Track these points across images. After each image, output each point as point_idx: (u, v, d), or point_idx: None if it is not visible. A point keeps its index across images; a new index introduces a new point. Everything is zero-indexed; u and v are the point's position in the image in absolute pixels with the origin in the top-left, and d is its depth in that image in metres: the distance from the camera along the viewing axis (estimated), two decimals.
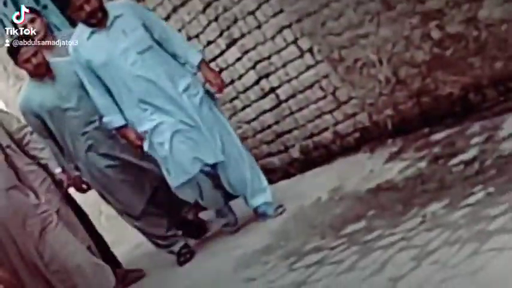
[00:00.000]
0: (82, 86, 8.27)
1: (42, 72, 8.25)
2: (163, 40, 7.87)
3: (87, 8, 7.51)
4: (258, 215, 8.69)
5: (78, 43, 7.82)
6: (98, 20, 7.68)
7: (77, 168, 8.87)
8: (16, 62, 8.40)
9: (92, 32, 7.73)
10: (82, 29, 7.82)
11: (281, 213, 8.70)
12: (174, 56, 7.97)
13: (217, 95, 8.53)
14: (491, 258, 5.51)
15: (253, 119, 10.00)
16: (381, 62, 8.53)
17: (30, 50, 8.05)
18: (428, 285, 5.73)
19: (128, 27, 7.68)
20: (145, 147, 8.05)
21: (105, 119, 7.97)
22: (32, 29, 9.03)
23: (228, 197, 8.75)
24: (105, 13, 7.70)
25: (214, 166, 8.34)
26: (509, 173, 6.56)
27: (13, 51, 8.26)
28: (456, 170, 7.14)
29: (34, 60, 8.08)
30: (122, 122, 7.89)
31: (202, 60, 8.08)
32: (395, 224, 6.93)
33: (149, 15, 8.22)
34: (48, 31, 8.76)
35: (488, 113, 7.80)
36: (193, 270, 8.98)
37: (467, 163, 7.22)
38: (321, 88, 9.26)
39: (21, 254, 6.71)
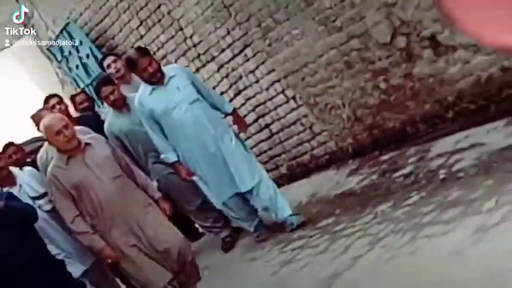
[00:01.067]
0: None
1: (119, 105, 8.08)
2: (205, 95, 7.66)
3: (150, 69, 7.36)
4: (287, 225, 7.89)
5: (142, 98, 7.58)
6: (157, 78, 7.45)
7: None
8: (99, 98, 8.38)
9: (153, 89, 7.51)
10: (144, 87, 7.59)
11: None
12: (212, 106, 7.72)
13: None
14: (424, 243, 5.58)
15: (253, 147, 9.86)
16: (344, 105, 8.52)
17: (108, 89, 7.93)
18: (379, 262, 5.78)
19: (180, 84, 7.50)
20: (195, 179, 7.82)
21: (162, 156, 7.75)
22: (115, 67, 8.93)
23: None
24: (162, 74, 7.50)
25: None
26: (436, 182, 6.59)
27: (97, 90, 8.27)
28: (398, 181, 7.11)
29: (111, 97, 7.97)
30: (175, 159, 7.66)
31: (234, 110, 7.99)
32: (355, 219, 6.93)
33: (194, 76, 8.11)
34: (127, 70, 8.47)
35: (421, 141, 7.77)
36: (210, 254, 8.85)
37: (406, 176, 7.20)
38: (302, 124, 9.22)
39: (129, 226, 6.60)
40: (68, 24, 11.18)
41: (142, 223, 6.60)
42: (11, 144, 8.76)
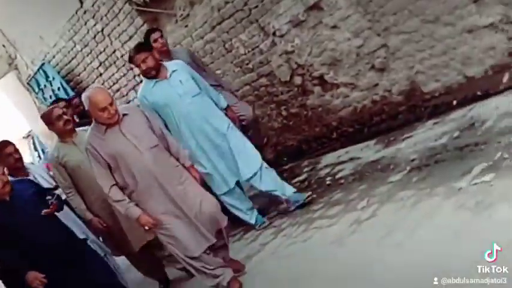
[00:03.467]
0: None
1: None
2: (203, 89, 6.42)
3: (143, 66, 6.15)
4: (292, 203, 6.49)
5: (145, 91, 6.30)
6: (151, 75, 6.25)
7: None
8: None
9: (156, 82, 6.24)
10: (147, 81, 6.34)
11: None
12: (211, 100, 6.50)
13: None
14: (314, 233, 5.63)
15: None
16: None
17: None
18: (281, 247, 5.80)
19: (182, 78, 6.29)
20: (202, 171, 6.35)
21: None
22: (162, 42, 7.27)
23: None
24: (158, 70, 6.23)
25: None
26: (324, 187, 6.62)
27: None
28: (296, 185, 7.00)
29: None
30: None
31: (227, 105, 6.59)
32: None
33: (193, 71, 6.57)
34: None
35: (312, 155, 7.78)
36: None
37: (301, 181, 7.19)
38: None
39: (169, 196, 5.24)
40: (43, 64, 11.05)
41: (180, 192, 5.29)
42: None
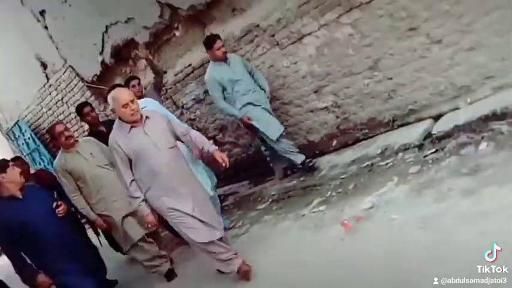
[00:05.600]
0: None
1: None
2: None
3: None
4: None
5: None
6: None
7: None
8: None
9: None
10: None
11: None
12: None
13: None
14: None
15: None
16: None
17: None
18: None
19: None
20: None
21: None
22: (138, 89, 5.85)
23: None
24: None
25: None
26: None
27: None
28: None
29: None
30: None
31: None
32: None
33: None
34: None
35: None
36: None
37: None
38: None
39: (181, 194, 4.07)
40: (18, 120, 10.45)
41: (191, 191, 4.14)
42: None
